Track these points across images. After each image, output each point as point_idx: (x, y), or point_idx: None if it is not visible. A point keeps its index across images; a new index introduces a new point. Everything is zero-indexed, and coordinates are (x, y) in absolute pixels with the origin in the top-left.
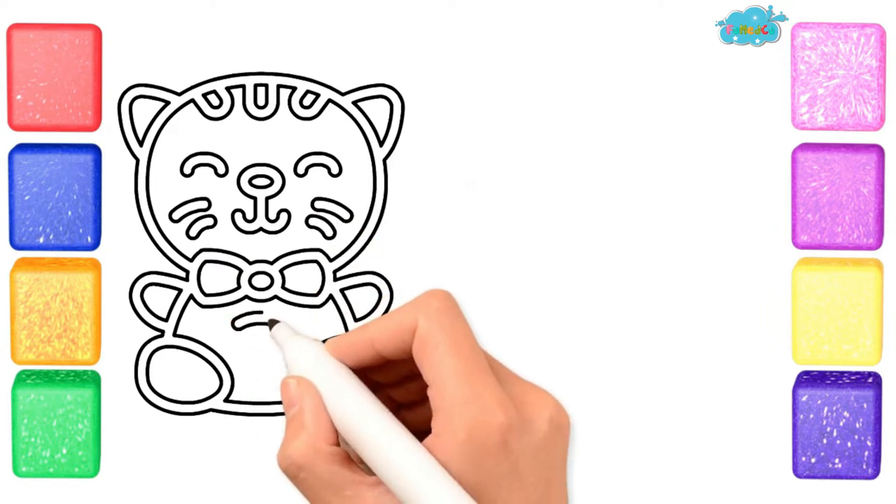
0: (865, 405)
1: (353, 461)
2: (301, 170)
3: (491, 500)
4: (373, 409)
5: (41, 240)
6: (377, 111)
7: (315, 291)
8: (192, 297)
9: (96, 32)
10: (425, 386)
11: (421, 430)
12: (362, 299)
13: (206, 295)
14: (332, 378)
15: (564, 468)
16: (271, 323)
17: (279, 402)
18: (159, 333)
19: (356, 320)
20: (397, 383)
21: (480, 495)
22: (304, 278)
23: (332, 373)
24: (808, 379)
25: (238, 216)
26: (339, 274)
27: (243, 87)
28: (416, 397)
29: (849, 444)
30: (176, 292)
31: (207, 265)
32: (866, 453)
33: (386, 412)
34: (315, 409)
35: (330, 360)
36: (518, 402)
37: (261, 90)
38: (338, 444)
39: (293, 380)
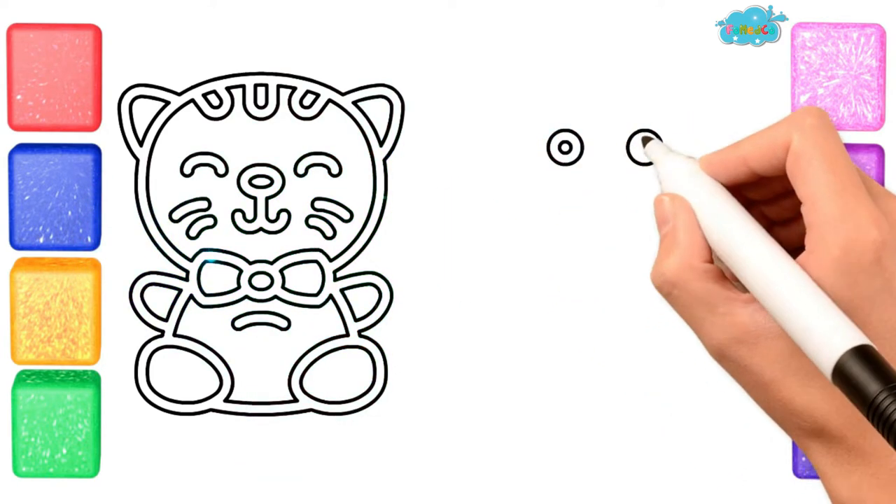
0: None
1: (727, 278)
2: (301, 170)
3: (864, 317)
4: (746, 225)
5: (41, 240)
6: (377, 111)
7: (315, 291)
8: (192, 297)
9: (96, 32)
10: (799, 203)
11: (794, 247)
12: (362, 299)
13: (206, 295)
14: (705, 194)
15: None
16: (645, 140)
17: (279, 402)
18: (159, 333)
19: (356, 320)
20: (770, 200)
21: (853, 312)
22: (304, 278)
23: (705, 189)
24: None
25: (238, 216)
26: (339, 274)
27: (243, 87)
28: (789, 214)
29: None
30: (176, 292)
31: (207, 265)
32: None
33: (759, 229)
34: (688, 225)
35: (704, 176)
36: (893, 219)
37: (261, 90)
38: (711, 261)
39: (667, 197)
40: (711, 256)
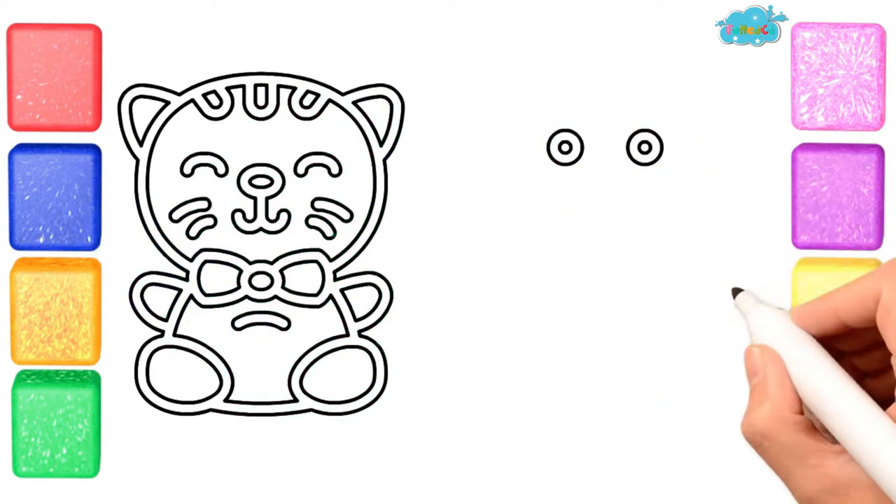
0: None
1: (817, 430)
2: (301, 170)
3: None
4: (837, 376)
5: (41, 240)
6: (377, 111)
7: (315, 291)
8: (192, 297)
9: (96, 32)
10: (889, 354)
11: (885, 399)
12: (362, 299)
13: (206, 295)
14: (796, 346)
15: None
16: (735, 291)
17: (279, 402)
18: (159, 333)
19: (356, 320)
20: (861, 351)
21: None
22: (304, 278)
23: (796, 341)
24: None
25: (238, 216)
26: (339, 274)
27: (243, 87)
28: (880, 365)
29: None
30: (176, 292)
31: (207, 265)
32: None
33: (850, 380)
34: (779, 377)
35: (794, 328)
36: None
37: (261, 90)
38: (801, 413)
39: (757, 348)
40: (801, 408)
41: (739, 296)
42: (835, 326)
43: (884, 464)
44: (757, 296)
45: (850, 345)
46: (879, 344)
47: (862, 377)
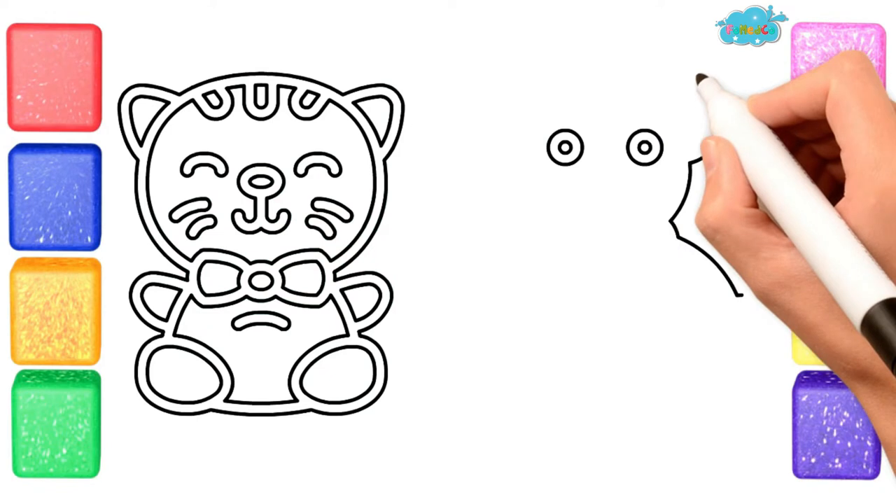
0: None
1: (771, 222)
2: (301, 170)
3: None
4: (786, 170)
5: (41, 240)
6: (377, 111)
7: (315, 291)
8: (192, 297)
9: (96, 32)
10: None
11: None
12: (362, 299)
13: (206, 295)
14: (749, 138)
15: None
16: (699, 77)
17: (279, 402)
18: (159, 333)
19: (356, 320)
20: (821, 139)
21: (889, 260)
22: (304, 278)
23: (751, 133)
24: (808, 379)
25: (238, 216)
26: (339, 274)
27: (243, 87)
28: (839, 152)
29: (849, 444)
30: (176, 292)
31: (207, 265)
32: (866, 453)
33: (800, 174)
34: (732, 170)
35: (750, 119)
36: None
37: (261, 90)
38: (755, 206)
39: (713, 140)
40: (755, 201)
41: (703, 82)
42: (788, 118)
43: (826, 260)
44: (720, 83)
45: (810, 133)
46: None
47: (823, 163)
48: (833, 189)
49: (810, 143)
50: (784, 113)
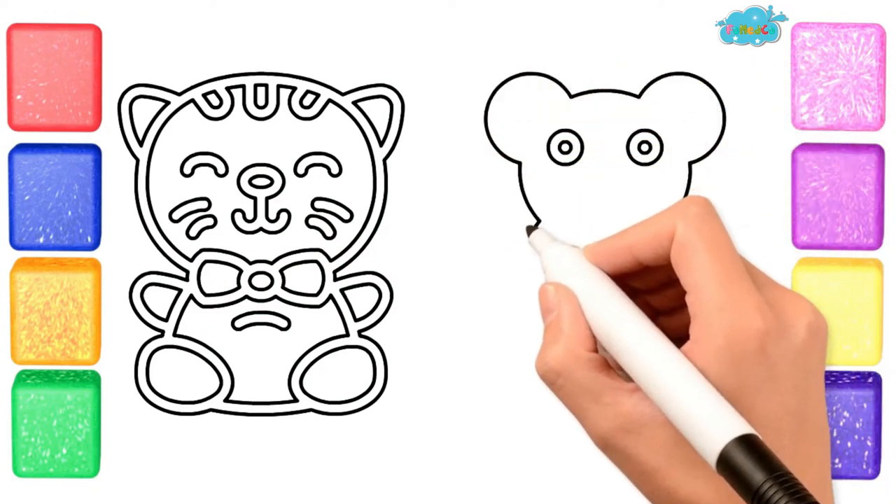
0: (865, 405)
1: (612, 367)
2: (301, 170)
3: (749, 406)
4: (631, 314)
5: (41, 240)
6: (377, 111)
7: (315, 291)
8: (192, 297)
9: (96, 32)
10: (683, 292)
11: (679, 337)
12: (362, 299)
13: (206, 295)
14: (590, 284)
15: (822, 374)
16: (529, 229)
17: (279, 402)
18: (159, 333)
19: (356, 320)
20: (655, 290)
21: (738, 401)
22: (304, 278)
23: (590, 278)
24: None
25: (238, 216)
26: (339, 274)
27: (243, 87)
28: (673, 304)
29: (849, 444)
30: (176, 292)
31: (207, 265)
32: (866, 453)
33: (644, 318)
34: (573, 314)
35: (588, 265)
36: (776, 308)
37: (261, 90)
38: (595, 351)
39: (551, 286)
40: (596, 346)
41: (534, 234)
42: (629, 264)
43: (677, 400)
44: (551, 234)
45: (645, 283)
46: (673, 282)
47: (656, 316)
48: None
49: (644, 293)
50: (624, 259)
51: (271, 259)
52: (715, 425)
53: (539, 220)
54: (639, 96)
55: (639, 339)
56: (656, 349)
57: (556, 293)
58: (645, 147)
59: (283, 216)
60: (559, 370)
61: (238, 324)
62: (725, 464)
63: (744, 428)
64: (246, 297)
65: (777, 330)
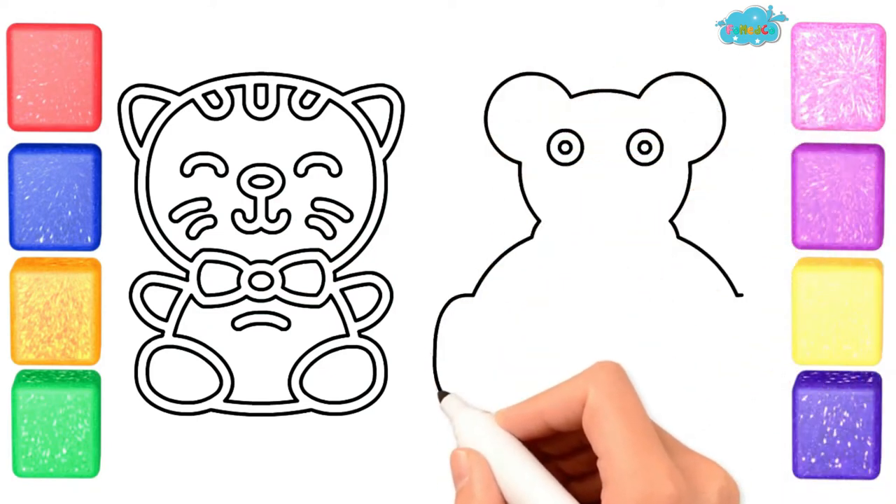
0: (865, 405)
1: None
2: (301, 170)
3: None
4: (542, 481)
5: (41, 240)
6: (377, 111)
7: (315, 291)
8: (192, 297)
9: (96, 32)
10: (595, 457)
11: (591, 502)
12: (362, 299)
13: (206, 295)
14: (501, 450)
15: None
16: (441, 395)
17: (279, 402)
18: (159, 333)
19: (356, 320)
20: (567, 455)
21: None
22: (304, 278)
23: (501, 445)
24: (808, 379)
25: (238, 216)
26: (339, 274)
27: (243, 87)
28: (585, 469)
29: (849, 444)
30: (176, 292)
31: (207, 265)
32: (866, 453)
33: (556, 484)
34: (485, 480)
35: (500, 431)
36: (688, 473)
37: (261, 90)
38: None
39: (463, 451)
40: None
41: (445, 399)
42: (541, 429)
43: None
44: (462, 399)
45: (557, 448)
46: (585, 447)
47: (568, 481)
48: None
49: (556, 458)
50: (536, 424)
51: (271, 259)
52: None
53: (444, 392)
54: (639, 96)
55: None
56: None
57: (468, 459)
58: (645, 147)
59: (283, 216)
60: None
61: (238, 324)
62: None
63: None
64: (246, 297)
65: (689, 496)
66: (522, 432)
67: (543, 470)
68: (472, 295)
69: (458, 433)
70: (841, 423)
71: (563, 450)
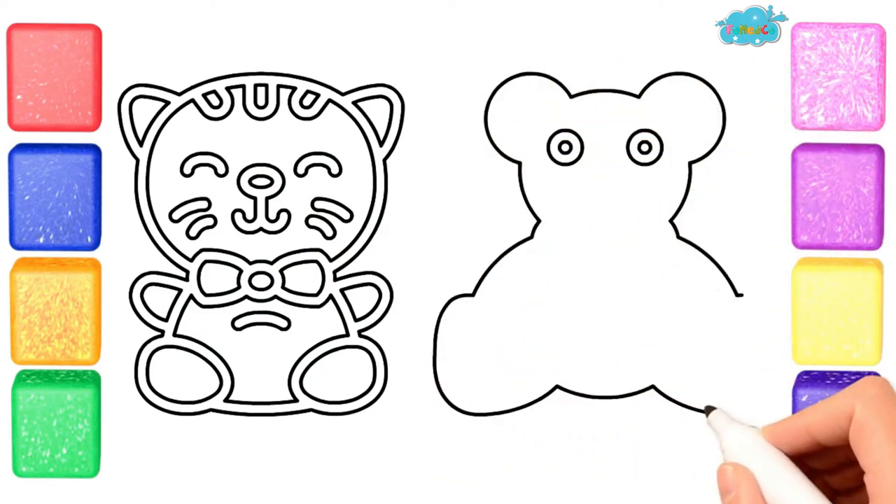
0: None
1: None
2: (301, 170)
3: None
4: (809, 496)
5: (41, 240)
6: (377, 111)
7: (315, 291)
8: (192, 297)
9: (96, 32)
10: (862, 472)
11: None
12: (362, 299)
13: (206, 295)
14: (769, 464)
15: None
16: (708, 410)
17: (279, 402)
18: (159, 333)
19: (356, 320)
20: (833, 470)
21: None
22: (304, 278)
23: (769, 459)
24: (808, 379)
25: (238, 216)
26: (339, 274)
27: (243, 87)
28: (852, 484)
29: None
30: (176, 292)
31: (207, 265)
32: None
33: (823, 500)
34: (752, 494)
35: (767, 446)
36: None
37: (261, 90)
38: None
39: (730, 466)
40: None
41: (712, 414)
42: (807, 444)
43: None
44: (729, 414)
45: (823, 463)
46: (852, 462)
47: (835, 496)
48: None
49: (823, 473)
50: (803, 439)
51: (271, 259)
52: None
53: (711, 407)
54: (639, 96)
55: None
56: None
57: (735, 474)
58: (645, 147)
59: (283, 216)
60: None
61: (238, 324)
62: None
63: None
64: (246, 297)
65: None
66: (789, 447)
67: (811, 485)
68: (472, 295)
69: (724, 447)
70: None
71: (830, 465)
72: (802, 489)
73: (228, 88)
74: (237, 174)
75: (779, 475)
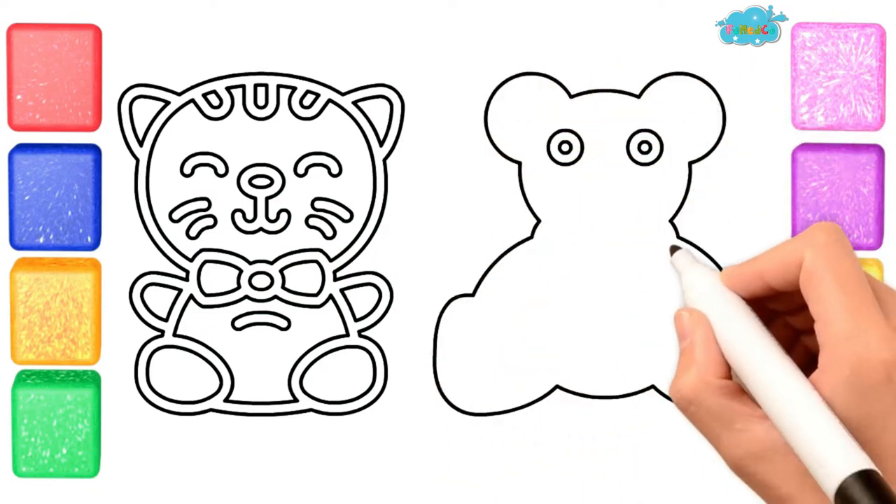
0: None
1: (745, 394)
2: (301, 170)
3: (874, 437)
4: (760, 342)
5: (41, 240)
6: (377, 111)
7: (315, 291)
8: (192, 297)
9: (96, 32)
10: None
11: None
12: (362, 299)
13: (206, 295)
14: (723, 309)
15: None
16: (672, 249)
17: (279, 402)
18: (159, 333)
19: (356, 320)
20: (794, 311)
21: (863, 431)
22: (304, 278)
23: (724, 304)
24: None
25: (238, 216)
26: (339, 274)
27: (243, 87)
28: (813, 324)
29: None
30: (176, 292)
31: (207, 265)
32: None
33: (774, 345)
34: (706, 342)
35: (723, 290)
36: None
37: (261, 90)
38: (729, 377)
39: (686, 312)
40: (729, 372)
41: (676, 254)
42: (762, 289)
43: (799, 432)
44: (694, 255)
45: (784, 304)
46: None
47: (797, 335)
48: (807, 360)
49: (784, 314)
50: (758, 284)
51: (271, 259)
52: (835, 458)
53: (676, 247)
54: (639, 96)
55: (766, 367)
56: (783, 378)
57: (691, 319)
58: (645, 147)
59: (283, 216)
60: (690, 398)
61: (238, 324)
62: (844, 497)
63: (864, 463)
64: (246, 297)
65: None
66: (746, 291)
67: (763, 331)
68: (472, 295)
69: (684, 289)
70: None
71: (790, 307)
72: (753, 335)
73: (228, 88)
74: (237, 174)
75: (732, 321)
